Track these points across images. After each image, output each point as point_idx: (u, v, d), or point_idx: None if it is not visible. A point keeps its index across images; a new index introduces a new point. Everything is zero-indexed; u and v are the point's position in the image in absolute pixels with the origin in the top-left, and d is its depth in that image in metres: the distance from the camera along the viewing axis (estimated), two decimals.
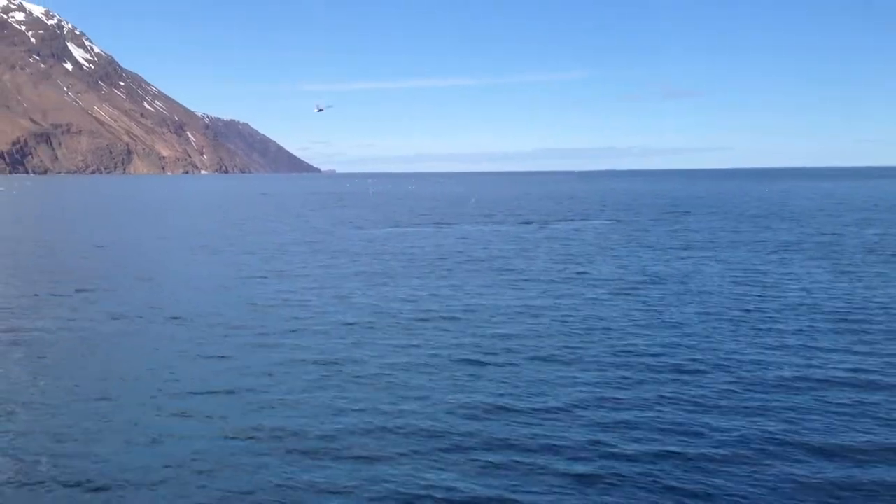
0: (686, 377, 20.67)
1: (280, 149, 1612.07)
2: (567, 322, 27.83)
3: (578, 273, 40.53)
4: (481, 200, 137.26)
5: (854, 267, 42.35)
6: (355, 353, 23.52)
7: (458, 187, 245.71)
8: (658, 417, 17.52)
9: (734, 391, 19.43)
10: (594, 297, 33.22)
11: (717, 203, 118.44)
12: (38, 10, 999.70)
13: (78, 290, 35.55)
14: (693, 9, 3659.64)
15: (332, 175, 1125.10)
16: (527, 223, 78.72)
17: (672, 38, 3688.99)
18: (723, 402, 18.57)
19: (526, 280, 38.26)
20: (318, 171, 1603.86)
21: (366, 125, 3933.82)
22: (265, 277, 40.03)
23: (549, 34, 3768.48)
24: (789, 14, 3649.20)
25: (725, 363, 22.01)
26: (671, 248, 53.03)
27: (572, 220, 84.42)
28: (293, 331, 26.68)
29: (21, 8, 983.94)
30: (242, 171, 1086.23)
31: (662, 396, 19.01)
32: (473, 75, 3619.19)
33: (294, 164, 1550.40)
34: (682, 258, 46.87)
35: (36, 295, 34.54)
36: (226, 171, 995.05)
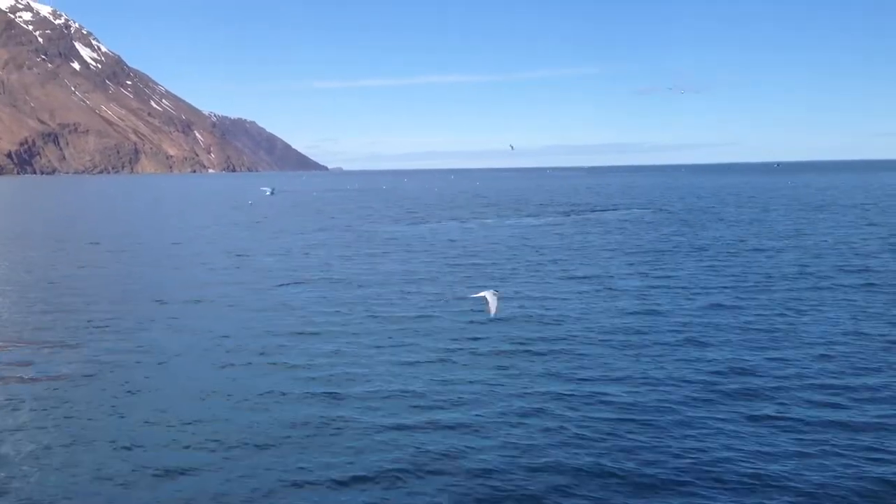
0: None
1: (287, 147, 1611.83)
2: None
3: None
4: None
5: None
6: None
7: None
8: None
9: None
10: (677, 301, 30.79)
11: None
12: (45, 10, 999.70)
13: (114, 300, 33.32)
14: (702, 3, 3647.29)
15: (340, 172, 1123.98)
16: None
17: (681, 34, 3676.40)
18: None
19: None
20: (325, 168, 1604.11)
21: (373, 122, 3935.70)
22: (301, 283, 37.72)
23: (557, 30, 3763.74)
24: (798, 6, 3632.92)
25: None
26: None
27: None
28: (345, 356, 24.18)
29: (28, 8, 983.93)
30: (250, 170, 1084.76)
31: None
32: (482, 72, 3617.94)
33: (301, 163, 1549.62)
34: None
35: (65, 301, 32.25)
36: (233, 170, 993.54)
